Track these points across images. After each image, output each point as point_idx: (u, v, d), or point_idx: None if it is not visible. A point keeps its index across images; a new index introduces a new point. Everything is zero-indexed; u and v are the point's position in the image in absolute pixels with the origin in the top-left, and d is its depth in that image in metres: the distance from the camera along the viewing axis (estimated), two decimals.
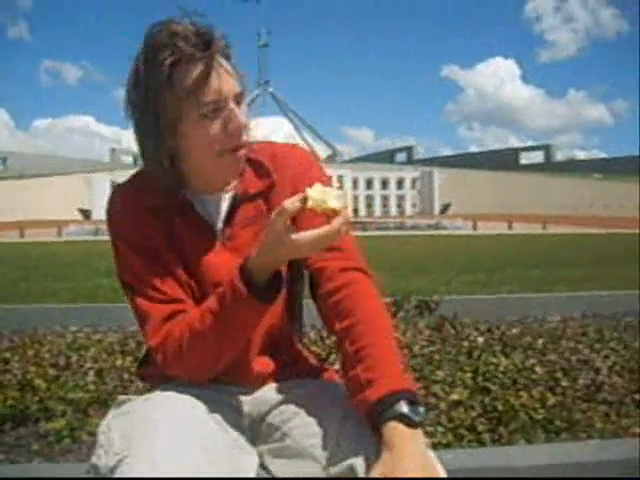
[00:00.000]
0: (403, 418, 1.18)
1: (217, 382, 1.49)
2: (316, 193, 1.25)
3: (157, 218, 1.45)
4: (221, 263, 1.44)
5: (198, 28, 1.32)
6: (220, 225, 1.48)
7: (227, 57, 1.37)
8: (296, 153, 1.56)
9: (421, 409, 1.21)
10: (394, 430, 1.17)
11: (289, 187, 1.47)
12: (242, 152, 1.41)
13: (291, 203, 1.25)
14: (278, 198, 1.43)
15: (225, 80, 1.33)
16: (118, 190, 1.54)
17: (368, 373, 1.25)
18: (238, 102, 1.37)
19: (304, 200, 1.25)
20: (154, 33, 1.32)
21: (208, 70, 1.31)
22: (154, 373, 1.53)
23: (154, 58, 1.31)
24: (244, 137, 1.39)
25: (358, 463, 1.21)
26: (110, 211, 1.51)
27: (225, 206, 1.49)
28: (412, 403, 1.21)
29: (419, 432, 1.20)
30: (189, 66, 1.30)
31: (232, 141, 1.37)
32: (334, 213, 1.25)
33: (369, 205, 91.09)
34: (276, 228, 1.26)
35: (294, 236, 1.26)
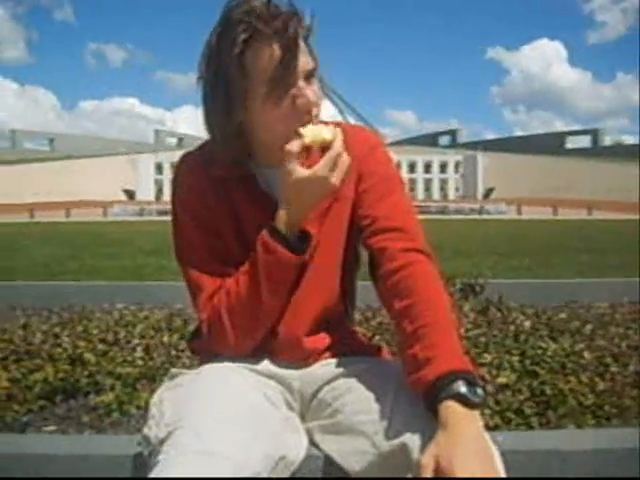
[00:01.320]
0: (461, 398, 1.16)
1: (269, 358, 1.50)
2: (309, 130, 1.31)
3: (220, 189, 1.46)
4: None
5: (275, 6, 1.31)
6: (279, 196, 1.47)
7: (303, 35, 1.35)
8: (363, 134, 1.56)
9: (479, 390, 1.19)
10: (451, 410, 1.16)
11: (354, 168, 1.47)
12: None
13: (290, 144, 1.30)
14: (344, 179, 1.44)
15: (296, 58, 1.32)
16: (185, 160, 1.57)
17: (426, 352, 1.24)
18: (308, 80, 1.36)
19: (303, 141, 1.31)
20: (231, 7, 1.32)
21: (280, 49, 1.30)
22: (204, 346, 1.54)
23: (229, 33, 1.31)
24: (312, 116, 1.38)
25: (412, 441, 1.21)
26: (176, 181, 1.55)
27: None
28: (470, 384, 1.19)
29: (476, 414, 1.18)
30: (261, 44, 1.30)
31: (299, 120, 1.36)
32: (328, 145, 1.32)
33: (412, 189, 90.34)
34: (292, 170, 1.31)
35: (301, 175, 1.31)
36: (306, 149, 1.33)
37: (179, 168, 1.56)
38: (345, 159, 1.33)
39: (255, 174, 1.49)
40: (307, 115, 1.37)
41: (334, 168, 1.31)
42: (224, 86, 1.36)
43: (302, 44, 1.34)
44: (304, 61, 1.34)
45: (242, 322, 1.44)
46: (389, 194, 1.48)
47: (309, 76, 1.37)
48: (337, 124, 1.56)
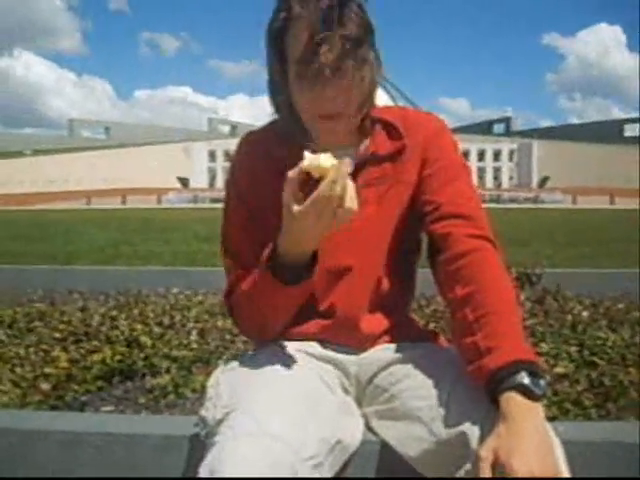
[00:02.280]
0: (523, 389, 1.14)
1: (326, 341, 1.49)
2: (308, 159, 1.21)
3: (277, 171, 1.43)
4: None
5: None
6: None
7: (345, 24, 1.29)
8: (428, 119, 1.53)
9: (542, 382, 1.16)
10: (513, 401, 1.13)
11: (419, 152, 1.46)
12: (331, 123, 1.38)
13: (292, 171, 1.22)
14: (407, 163, 1.45)
15: (328, 44, 1.27)
16: (246, 139, 1.58)
17: (489, 341, 1.21)
18: (340, 71, 1.30)
19: (302, 171, 1.22)
20: None
21: (310, 33, 1.27)
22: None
23: (276, 9, 1.33)
24: (337, 107, 1.34)
25: (470, 430, 1.18)
26: (233, 160, 1.56)
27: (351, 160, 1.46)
28: (533, 375, 1.16)
29: (539, 406, 1.15)
30: (295, 24, 1.30)
31: (320, 109, 1.35)
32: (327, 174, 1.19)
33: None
34: (285, 201, 1.23)
35: (297, 207, 1.21)
36: (307, 175, 1.23)
37: (239, 147, 1.57)
38: (340, 194, 1.19)
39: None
40: (325, 107, 1.34)
41: (318, 210, 1.20)
42: (271, 62, 1.38)
43: (344, 32, 1.28)
44: (338, 48, 1.28)
45: (251, 321, 1.48)
46: (454, 180, 1.46)
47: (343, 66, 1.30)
48: (403, 108, 1.55)
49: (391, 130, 1.49)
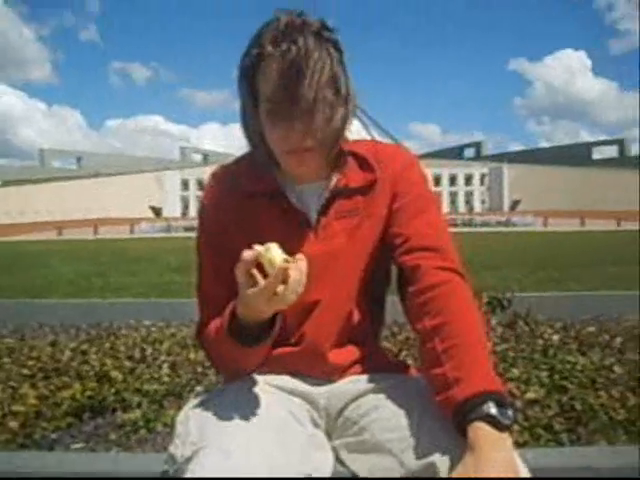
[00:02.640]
0: (491, 419, 1.14)
1: (294, 374, 1.49)
2: (265, 248, 1.22)
3: (247, 206, 1.45)
4: (310, 252, 1.40)
5: (299, 24, 1.31)
6: (314, 214, 1.46)
7: (316, 66, 1.30)
8: (399, 153, 1.54)
9: (510, 412, 1.17)
10: (480, 431, 1.13)
11: (389, 185, 1.47)
12: (300, 159, 1.38)
13: (247, 253, 1.22)
14: (378, 196, 1.46)
15: (298, 83, 1.29)
16: (214, 174, 1.57)
17: (456, 371, 1.22)
18: (310, 111, 1.32)
19: (256, 258, 1.22)
20: (265, 23, 1.34)
21: (280, 71, 1.29)
22: None
23: (249, 46, 1.34)
24: (305, 144, 1.35)
25: (440, 461, 1.19)
26: (202, 200, 1.57)
27: (322, 196, 1.47)
28: (501, 405, 1.17)
29: (506, 435, 1.15)
30: (266, 62, 1.31)
31: (288, 145, 1.36)
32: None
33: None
34: (237, 278, 1.24)
35: (248, 290, 1.22)
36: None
37: (208, 182, 1.57)
38: (289, 286, 1.20)
39: (285, 190, 1.48)
40: (291, 143, 1.35)
41: (266, 298, 1.21)
42: (241, 97, 1.40)
43: (325, 68, 1.30)
44: (309, 86, 1.29)
45: (220, 363, 1.49)
46: (423, 212, 1.47)
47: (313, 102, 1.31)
48: (374, 142, 1.57)
49: (363, 163, 1.50)
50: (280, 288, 1.19)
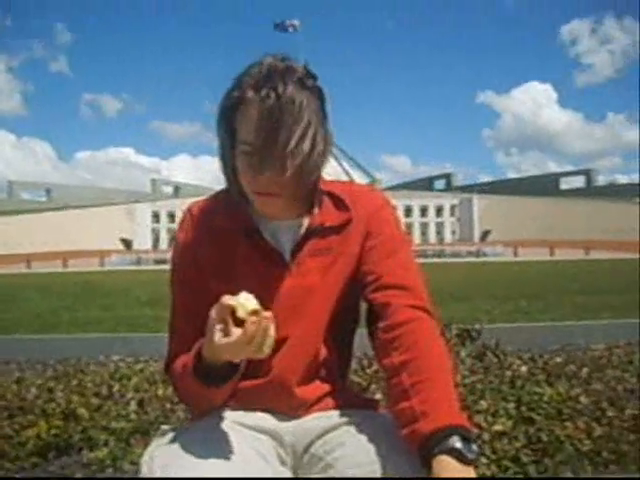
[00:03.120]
0: (456, 453, 1.16)
1: (260, 409, 1.50)
2: (239, 297, 1.25)
3: (221, 242, 1.47)
4: (283, 289, 1.45)
5: (283, 69, 1.33)
6: (288, 252, 1.48)
7: (295, 113, 1.32)
8: (373, 195, 1.58)
9: (475, 447, 1.19)
10: (445, 465, 1.15)
11: (362, 225, 1.50)
12: (269, 200, 1.41)
13: (227, 299, 1.24)
14: (351, 235, 1.48)
15: (273, 132, 1.31)
16: (188, 209, 1.58)
17: (424, 405, 1.24)
18: (284, 159, 1.34)
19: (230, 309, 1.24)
20: (249, 65, 1.37)
21: (258, 116, 1.31)
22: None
23: (231, 88, 1.37)
24: (274, 189, 1.37)
25: None
26: (175, 236, 1.58)
27: (297, 234, 1.49)
28: (466, 440, 1.19)
29: (471, 470, 1.17)
30: (247, 107, 1.33)
31: (258, 188, 1.38)
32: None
33: (408, 233, 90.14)
34: (209, 323, 1.26)
35: (218, 339, 1.24)
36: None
37: (182, 217, 1.58)
38: (258, 339, 1.23)
39: (260, 227, 1.49)
40: (259, 186, 1.37)
41: (235, 349, 1.24)
42: (219, 135, 1.42)
43: (303, 118, 1.32)
44: (284, 136, 1.31)
45: (187, 398, 1.50)
46: (395, 252, 1.50)
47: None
48: (348, 183, 1.60)
49: (338, 203, 1.52)
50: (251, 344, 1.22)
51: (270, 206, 1.42)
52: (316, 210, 1.50)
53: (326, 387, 1.54)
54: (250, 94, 1.32)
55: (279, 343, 1.48)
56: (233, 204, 1.50)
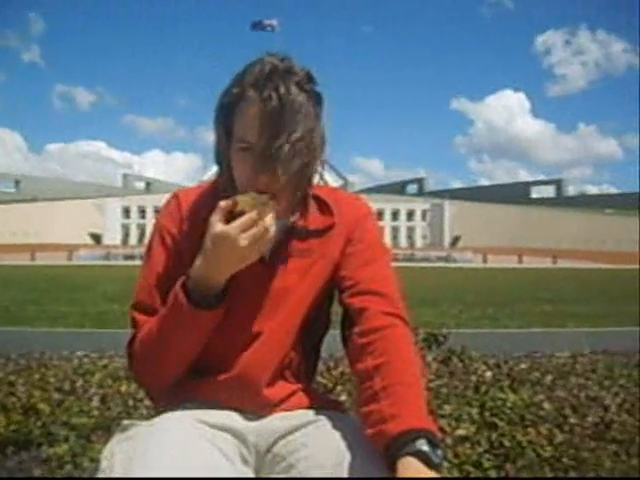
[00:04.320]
0: (422, 456, 1.15)
1: (224, 407, 1.49)
2: (244, 196, 1.31)
3: (203, 231, 1.42)
4: (261, 287, 1.47)
5: (285, 69, 1.35)
6: (268, 251, 1.48)
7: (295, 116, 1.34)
8: (358, 203, 1.61)
9: (440, 452, 1.19)
10: (410, 466, 1.14)
11: (345, 231, 1.52)
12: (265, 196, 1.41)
13: (224, 203, 1.30)
14: (333, 239, 1.50)
15: (272, 132, 1.32)
16: (177, 194, 1.60)
17: (393, 408, 1.24)
18: (281, 161, 1.35)
19: (235, 202, 1.30)
20: (250, 63, 1.38)
21: (258, 115, 1.34)
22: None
23: (231, 84, 1.39)
24: (270, 189, 1.37)
25: None
26: (160, 212, 1.60)
27: (279, 234, 1.48)
28: (432, 444, 1.19)
29: (435, 474, 1.17)
30: (247, 104, 1.35)
31: (254, 186, 1.38)
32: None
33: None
34: (211, 222, 1.30)
35: (216, 229, 1.29)
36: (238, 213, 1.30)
37: (167, 202, 1.60)
38: (262, 228, 1.29)
39: None
40: (263, 184, 1.37)
41: (246, 230, 1.29)
42: (216, 130, 1.44)
43: (287, 114, 1.33)
44: (282, 138, 1.32)
45: (148, 364, 1.48)
46: (374, 260, 1.52)
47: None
48: (335, 189, 1.62)
49: (323, 207, 1.55)
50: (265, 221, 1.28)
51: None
52: (300, 212, 1.52)
53: (292, 387, 1.54)
54: (251, 92, 1.34)
55: (250, 339, 1.48)
56: (219, 198, 1.50)
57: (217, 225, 1.30)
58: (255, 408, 1.49)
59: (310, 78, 1.38)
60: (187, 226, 1.52)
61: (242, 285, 1.43)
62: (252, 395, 1.48)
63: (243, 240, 1.29)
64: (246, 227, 1.28)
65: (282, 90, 1.32)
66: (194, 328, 1.40)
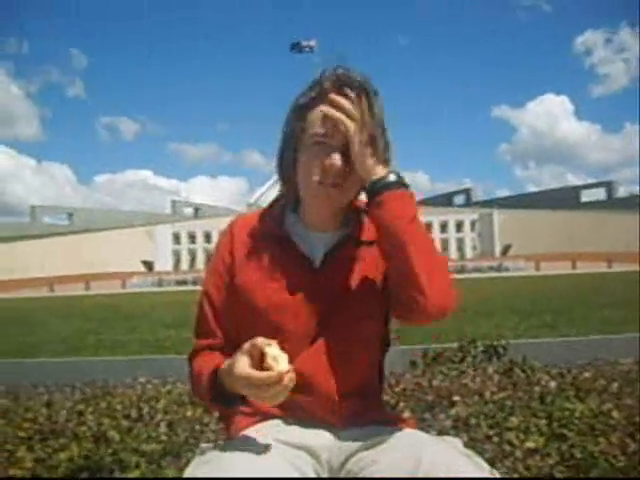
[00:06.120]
0: (394, 179, 1.43)
1: (298, 421, 1.52)
2: (272, 348, 1.31)
3: (260, 245, 1.57)
4: (314, 296, 1.51)
5: (350, 77, 1.46)
6: (319, 260, 1.55)
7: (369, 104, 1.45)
8: None
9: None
10: (387, 187, 1.41)
11: None
12: (325, 191, 1.50)
13: (261, 342, 1.31)
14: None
15: (341, 123, 1.43)
16: (234, 221, 1.68)
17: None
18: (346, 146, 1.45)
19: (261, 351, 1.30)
20: (325, 70, 1.50)
21: (328, 108, 1.44)
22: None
23: (308, 88, 1.51)
24: (339, 178, 1.48)
25: None
26: (220, 240, 1.67)
27: (330, 243, 1.57)
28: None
29: (410, 193, 1.45)
30: (320, 102, 1.47)
31: (324, 177, 1.47)
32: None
33: None
34: (237, 362, 1.32)
35: (236, 369, 1.31)
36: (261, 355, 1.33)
37: (224, 230, 1.67)
38: (282, 388, 1.29)
39: (292, 235, 1.57)
40: (329, 176, 1.47)
41: (267, 385, 1.30)
42: (287, 131, 1.55)
43: (358, 111, 1.43)
44: (349, 127, 1.42)
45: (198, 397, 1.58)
46: None
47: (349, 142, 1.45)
48: None
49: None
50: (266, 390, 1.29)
51: (325, 200, 1.51)
52: (350, 224, 1.59)
53: (365, 402, 1.57)
54: (329, 94, 1.44)
55: (314, 350, 1.52)
56: (274, 215, 1.61)
57: (241, 365, 1.31)
58: (331, 420, 1.52)
59: (375, 89, 1.48)
60: (242, 244, 1.59)
61: (296, 295, 1.51)
62: (329, 409, 1.51)
63: (263, 392, 1.30)
64: (268, 382, 1.28)
65: (358, 89, 1.44)
66: (217, 410, 1.56)
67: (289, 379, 1.28)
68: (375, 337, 1.60)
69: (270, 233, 1.57)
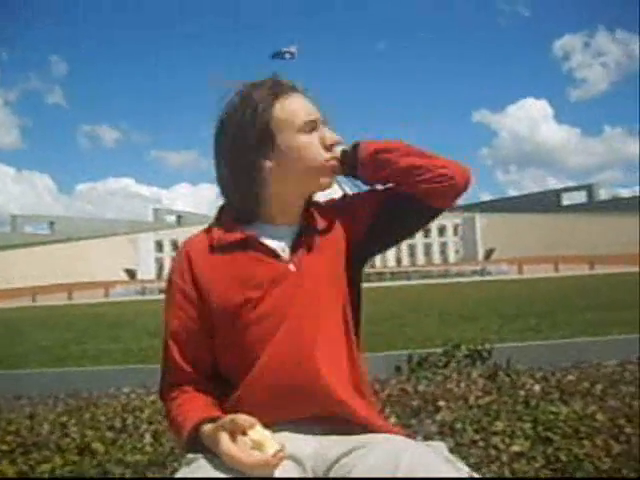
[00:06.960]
0: None
1: (286, 428, 1.51)
2: (259, 432, 1.33)
3: (220, 256, 1.55)
4: (287, 288, 1.52)
5: (283, 81, 1.59)
6: (287, 251, 1.57)
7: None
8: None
9: None
10: None
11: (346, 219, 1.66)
12: (336, 166, 1.59)
13: (245, 419, 1.33)
14: (339, 231, 1.63)
15: (313, 108, 1.57)
16: (183, 244, 1.66)
17: None
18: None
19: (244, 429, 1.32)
20: (250, 85, 1.58)
21: (301, 98, 1.57)
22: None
23: (252, 94, 1.56)
24: (331, 150, 1.58)
25: None
26: (172, 261, 1.67)
27: (294, 234, 1.60)
28: None
29: None
30: (287, 95, 1.56)
31: (327, 139, 1.57)
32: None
33: (412, 254, 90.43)
34: (220, 441, 1.32)
35: (223, 448, 1.32)
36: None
37: (176, 254, 1.65)
38: (268, 468, 1.31)
39: (257, 233, 1.57)
40: (327, 151, 1.57)
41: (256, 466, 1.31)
42: (254, 135, 1.54)
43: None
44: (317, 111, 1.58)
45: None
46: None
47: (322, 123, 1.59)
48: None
49: (324, 208, 1.67)
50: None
51: (331, 178, 1.61)
52: (308, 213, 1.63)
53: (364, 399, 1.57)
54: (293, 87, 1.58)
55: (303, 345, 1.51)
56: (229, 223, 1.59)
57: (225, 443, 1.32)
58: (313, 420, 1.52)
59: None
60: (207, 271, 1.56)
61: (264, 288, 1.51)
62: (313, 402, 1.51)
63: (248, 470, 1.30)
64: (256, 466, 1.29)
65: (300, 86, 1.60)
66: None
67: (278, 459, 1.30)
68: (349, 321, 1.61)
69: (232, 237, 1.56)
